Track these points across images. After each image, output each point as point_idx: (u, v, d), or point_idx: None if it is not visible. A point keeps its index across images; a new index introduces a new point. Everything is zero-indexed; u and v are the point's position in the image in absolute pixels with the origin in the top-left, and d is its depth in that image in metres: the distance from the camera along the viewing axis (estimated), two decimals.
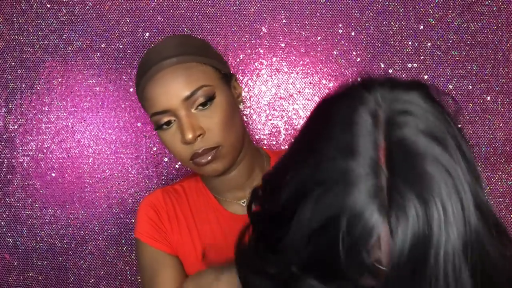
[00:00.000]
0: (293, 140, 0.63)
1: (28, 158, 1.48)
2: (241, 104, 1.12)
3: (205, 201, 1.16)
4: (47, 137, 1.48)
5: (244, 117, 1.49)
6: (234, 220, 1.13)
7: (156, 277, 1.11)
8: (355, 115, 0.55)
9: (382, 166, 0.52)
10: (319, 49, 1.48)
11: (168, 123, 1.04)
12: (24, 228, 1.48)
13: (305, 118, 1.47)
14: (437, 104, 0.57)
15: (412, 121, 0.54)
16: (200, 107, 1.02)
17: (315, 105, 0.63)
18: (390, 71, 1.47)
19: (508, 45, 1.46)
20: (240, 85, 1.39)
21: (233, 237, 1.12)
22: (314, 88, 1.48)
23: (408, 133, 0.53)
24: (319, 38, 1.48)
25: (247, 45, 1.48)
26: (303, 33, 1.47)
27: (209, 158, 1.03)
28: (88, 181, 1.49)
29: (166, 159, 1.49)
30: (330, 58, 1.48)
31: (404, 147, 0.53)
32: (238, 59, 1.47)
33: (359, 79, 0.62)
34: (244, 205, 1.13)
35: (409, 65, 1.47)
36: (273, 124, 1.49)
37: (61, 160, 1.48)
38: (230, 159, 1.06)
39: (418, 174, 0.51)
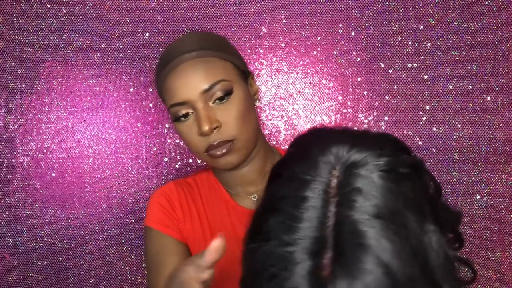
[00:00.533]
0: (260, 200, 0.62)
1: (28, 158, 1.48)
2: (257, 101, 1.16)
3: (217, 194, 1.18)
4: (47, 137, 1.48)
5: None
6: (245, 214, 1.15)
7: (161, 266, 1.12)
8: (306, 190, 0.55)
9: (326, 248, 0.52)
10: (319, 49, 1.48)
11: (186, 115, 1.07)
12: (24, 228, 1.48)
13: (305, 118, 1.48)
14: (395, 174, 0.56)
15: (362, 202, 0.53)
16: (217, 101, 1.06)
17: (273, 166, 0.62)
18: (390, 71, 1.47)
19: (508, 45, 1.46)
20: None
21: (242, 230, 1.14)
22: (314, 88, 1.48)
23: (356, 217, 0.53)
24: (319, 38, 1.48)
25: (247, 45, 1.48)
26: (303, 33, 1.47)
27: (224, 150, 1.06)
28: (88, 181, 1.49)
29: (166, 159, 1.49)
30: (330, 58, 1.48)
31: (349, 233, 0.52)
32: None
33: (315, 134, 0.62)
34: (255, 199, 1.16)
35: (409, 65, 1.47)
36: (273, 124, 1.49)
37: (61, 160, 1.48)
38: (244, 153, 1.09)
39: (357, 267, 0.51)
